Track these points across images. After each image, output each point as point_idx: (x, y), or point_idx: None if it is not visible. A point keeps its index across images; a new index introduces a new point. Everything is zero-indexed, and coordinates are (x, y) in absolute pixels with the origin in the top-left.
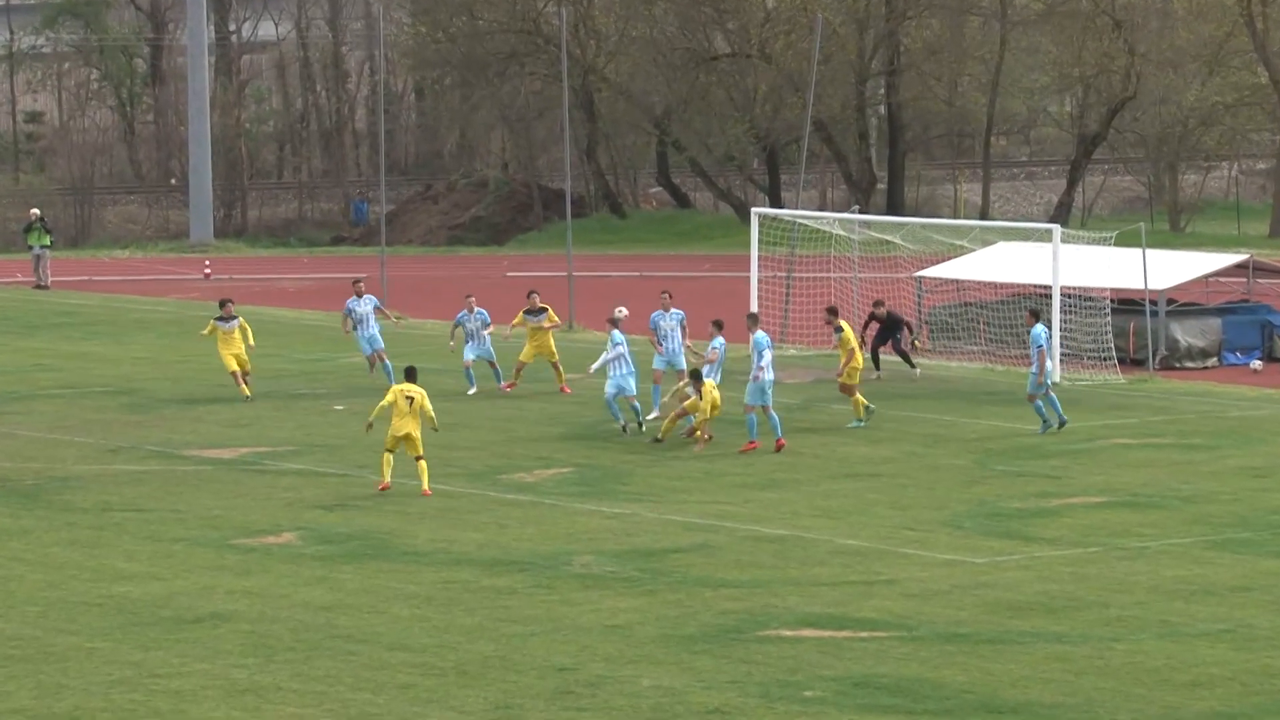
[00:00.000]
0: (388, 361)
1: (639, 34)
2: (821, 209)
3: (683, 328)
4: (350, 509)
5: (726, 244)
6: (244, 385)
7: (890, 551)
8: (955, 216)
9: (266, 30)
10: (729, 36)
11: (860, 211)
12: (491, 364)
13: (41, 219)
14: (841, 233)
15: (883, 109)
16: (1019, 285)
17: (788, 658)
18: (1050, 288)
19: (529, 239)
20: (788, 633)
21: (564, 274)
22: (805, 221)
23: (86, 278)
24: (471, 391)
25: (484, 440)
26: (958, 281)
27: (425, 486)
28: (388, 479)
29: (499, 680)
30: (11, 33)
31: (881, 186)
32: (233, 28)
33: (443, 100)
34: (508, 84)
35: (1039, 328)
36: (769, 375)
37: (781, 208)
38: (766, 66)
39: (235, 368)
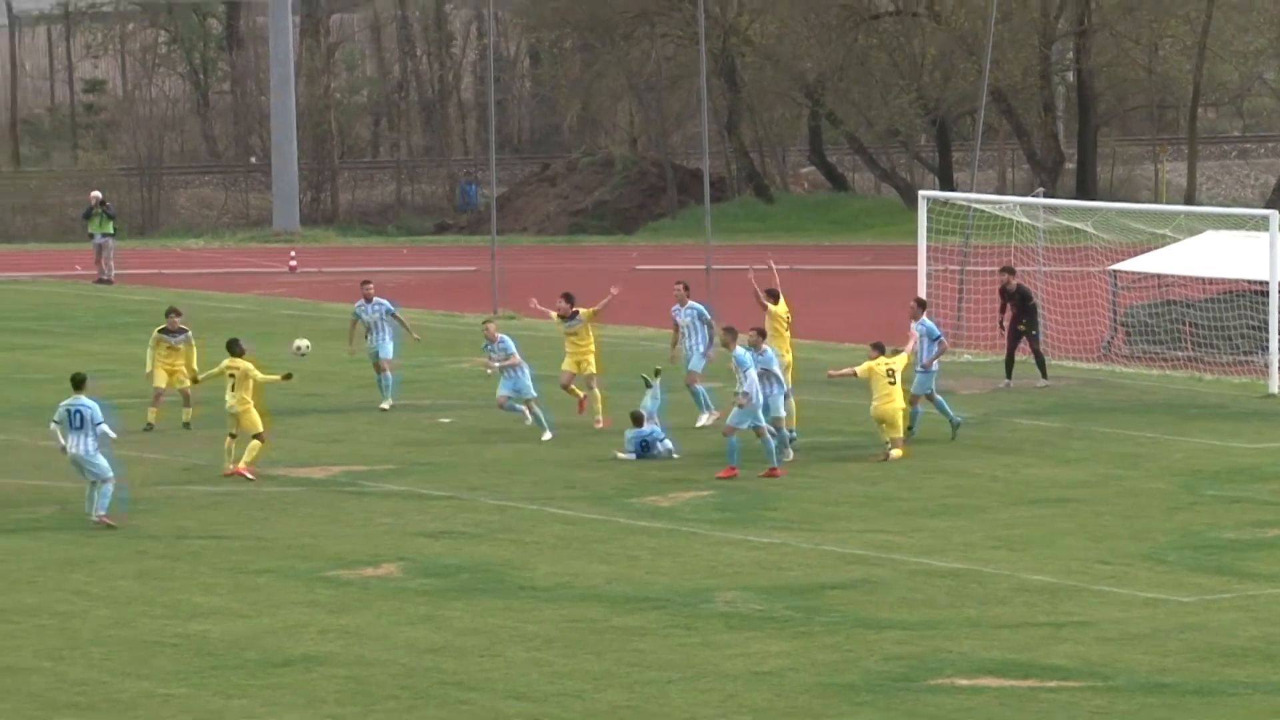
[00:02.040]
0: (389, 373)
1: None
2: (1000, 192)
3: (706, 324)
4: (459, 537)
5: (889, 232)
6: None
7: (1082, 589)
8: (1156, 201)
9: None
10: None
11: (1045, 195)
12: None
13: (104, 203)
14: (1024, 219)
15: (1071, 76)
16: (1231, 281)
17: (963, 710)
18: (1268, 284)
19: (661, 226)
20: (964, 681)
21: (701, 267)
22: (981, 207)
23: (155, 271)
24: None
25: (609, 458)
26: (1159, 276)
27: (240, 465)
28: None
29: None
30: None
31: (1070, 166)
32: None
33: (562, 67)
34: (637, 47)
35: (925, 320)
36: (757, 398)
37: (953, 190)
38: (936, 27)
39: (162, 384)
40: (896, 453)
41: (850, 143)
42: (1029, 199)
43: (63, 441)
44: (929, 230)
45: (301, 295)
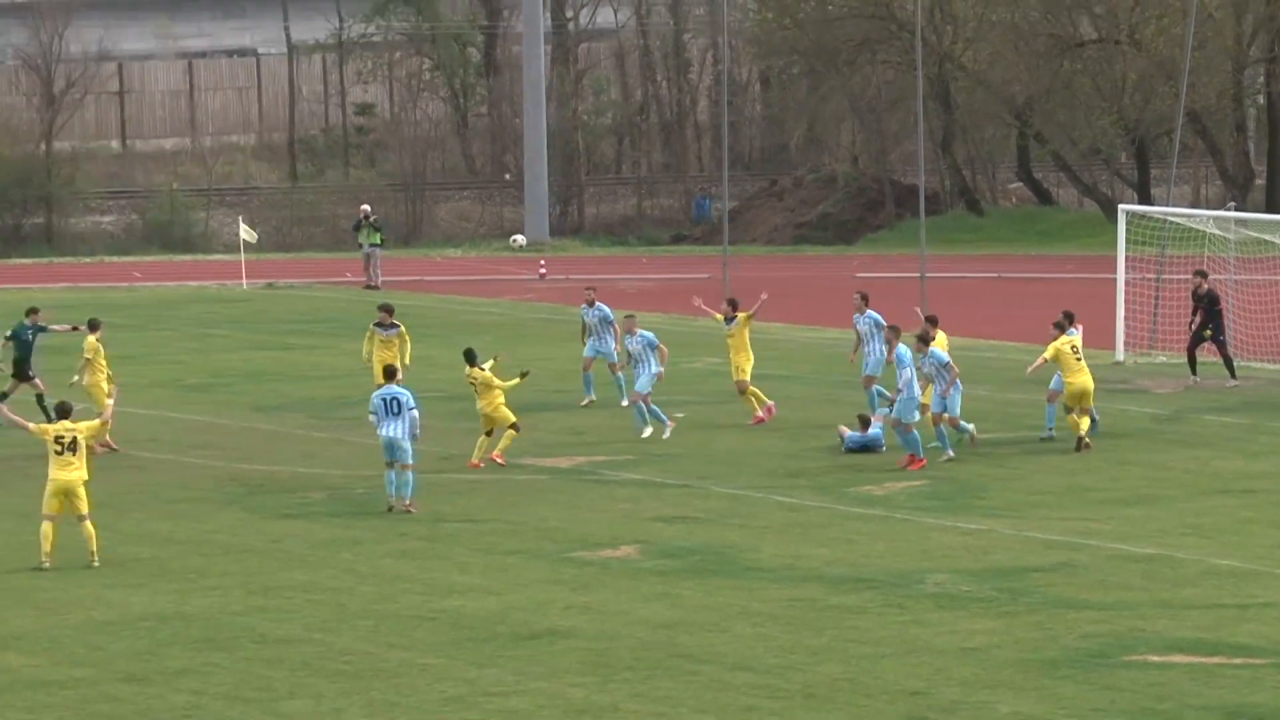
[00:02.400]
0: (619, 374)
1: (999, 19)
2: (1194, 206)
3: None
4: (691, 522)
5: (1091, 244)
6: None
7: (1266, 573)
8: None
9: (605, 17)
10: (1096, 21)
11: (1237, 209)
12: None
13: (371, 216)
14: (1216, 232)
15: (1261, 99)
16: None
17: (1155, 685)
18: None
19: (879, 238)
20: (1155, 658)
21: (916, 275)
22: (1177, 220)
23: (417, 277)
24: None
25: (829, 449)
26: None
27: (496, 452)
28: (47, 552)
29: (847, 704)
30: (341, 20)
31: (1260, 182)
32: (570, 15)
33: (789, 90)
34: (858, 73)
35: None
36: (910, 393)
37: (1151, 205)
38: (1136, 53)
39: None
40: (1084, 423)
41: (1055, 160)
42: (1221, 213)
43: (379, 429)
44: (1127, 241)
45: (549, 300)
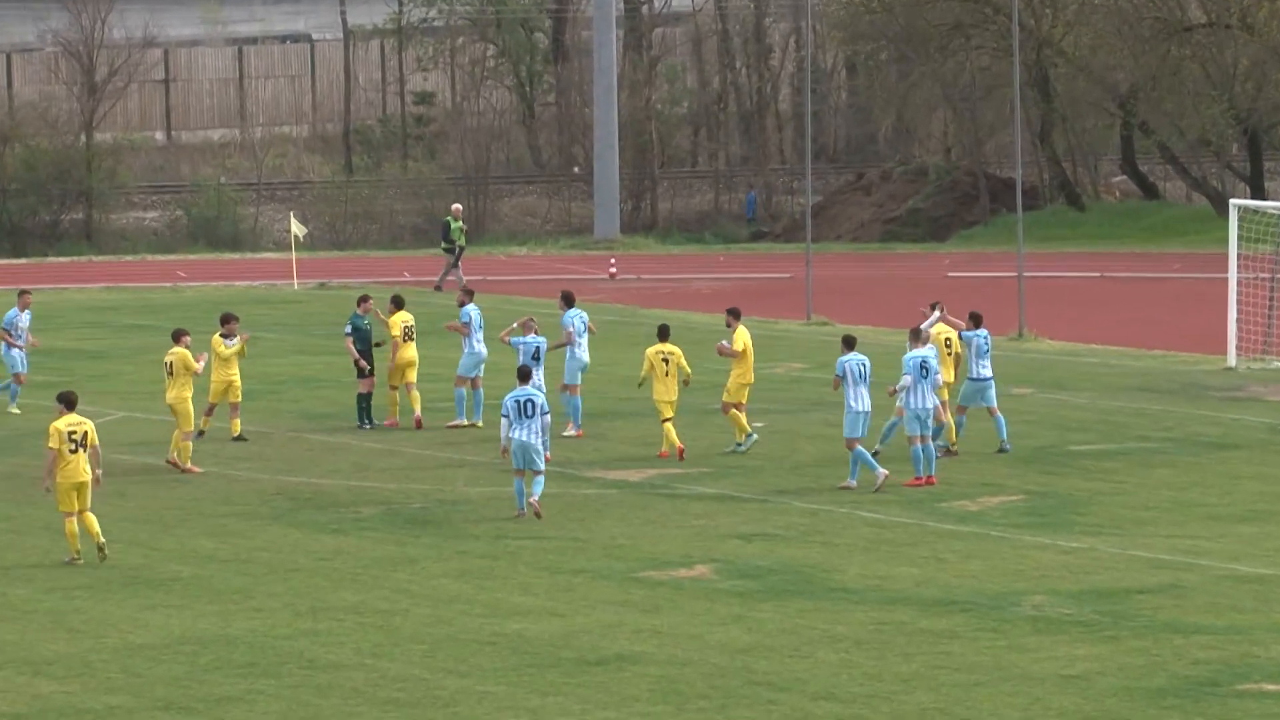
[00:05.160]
0: None
1: (1102, 1)
2: None
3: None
4: (771, 539)
5: (1201, 240)
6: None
7: None
8: None
9: (681, 1)
10: (1205, 4)
11: None
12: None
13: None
14: None
15: None
16: None
17: (1271, 716)
18: None
19: (974, 234)
20: (1271, 687)
21: (1013, 274)
22: None
23: (481, 277)
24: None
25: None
26: None
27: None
28: (77, 549)
29: None
30: (401, 4)
31: None
32: None
33: (877, 78)
34: (951, 59)
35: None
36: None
37: (1265, 199)
38: (1249, 38)
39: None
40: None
41: (1161, 152)
42: None
43: (509, 433)
44: (1240, 238)
45: (620, 301)
